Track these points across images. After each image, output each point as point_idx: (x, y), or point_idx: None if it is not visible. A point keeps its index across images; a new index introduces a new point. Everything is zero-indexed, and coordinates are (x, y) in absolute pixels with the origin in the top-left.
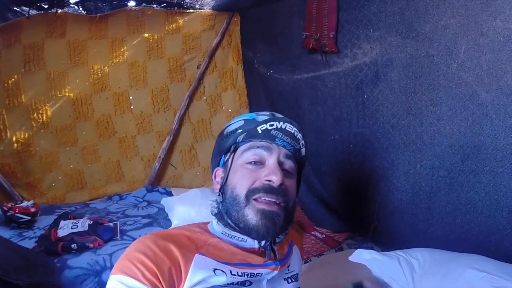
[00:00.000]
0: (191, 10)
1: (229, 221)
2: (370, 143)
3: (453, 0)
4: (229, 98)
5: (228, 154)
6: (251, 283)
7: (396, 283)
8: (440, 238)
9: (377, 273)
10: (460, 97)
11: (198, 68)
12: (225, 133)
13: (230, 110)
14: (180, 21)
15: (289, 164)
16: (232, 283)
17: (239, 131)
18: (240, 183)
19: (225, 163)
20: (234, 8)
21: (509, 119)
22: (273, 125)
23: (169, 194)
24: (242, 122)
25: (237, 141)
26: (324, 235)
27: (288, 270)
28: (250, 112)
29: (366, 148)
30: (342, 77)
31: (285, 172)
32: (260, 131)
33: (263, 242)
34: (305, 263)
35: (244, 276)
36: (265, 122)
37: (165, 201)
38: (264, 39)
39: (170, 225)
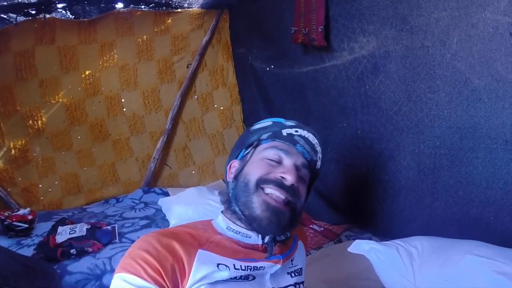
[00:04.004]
0: (180, 10)
1: (236, 208)
2: (376, 128)
3: None
4: (220, 95)
5: (249, 148)
6: (254, 278)
7: (396, 272)
8: (444, 211)
9: (377, 263)
10: (455, 84)
11: (188, 67)
12: (251, 129)
13: (222, 108)
14: (169, 22)
15: (304, 172)
16: (235, 278)
17: (266, 130)
18: (254, 171)
19: (243, 156)
20: (223, 5)
21: (500, 102)
22: (297, 131)
23: (166, 194)
24: (271, 123)
25: (260, 138)
26: (322, 228)
27: (292, 264)
28: (243, 108)
29: (373, 133)
30: (343, 69)
31: (299, 177)
32: (285, 134)
33: (266, 238)
34: None
35: (247, 270)
36: (291, 127)
37: (162, 201)
38: (258, 35)
39: (168, 226)
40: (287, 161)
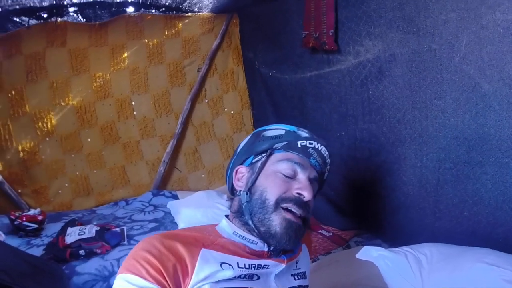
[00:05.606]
0: (190, 14)
1: (250, 221)
2: (376, 138)
3: None
4: (230, 99)
5: (260, 156)
6: (258, 277)
7: (405, 280)
8: (448, 232)
9: (385, 270)
10: (463, 90)
11: (198, 71)
12: (262, 135)
13: (232, 112)
14: (179, 25)
15: (314, 185)
16: (240, 276)
17: (279, 139)
18: (272, 187)
19: (252, 163)
20: (232, 9)
21: None
22: (312, 143)
23: (175, 197)
24: (283, 131)
25: (273, 147)
26: (331, 233)
27: (296, 266)
28: (253, 112)
29: (373, 143)
30: (346, 74)
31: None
32: (299, 146)
33: (272, 247)
34: (313, 262)
35: (251, 269)
36: (306, 139)
37: (171, 204)
38: (264, 39)
39: (177, 229)
40: (302, 176)
